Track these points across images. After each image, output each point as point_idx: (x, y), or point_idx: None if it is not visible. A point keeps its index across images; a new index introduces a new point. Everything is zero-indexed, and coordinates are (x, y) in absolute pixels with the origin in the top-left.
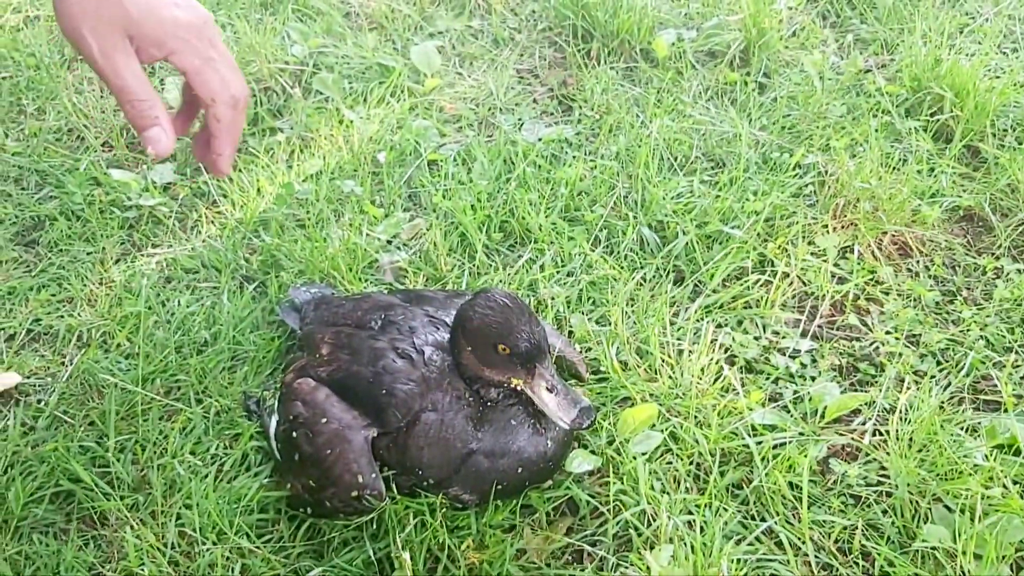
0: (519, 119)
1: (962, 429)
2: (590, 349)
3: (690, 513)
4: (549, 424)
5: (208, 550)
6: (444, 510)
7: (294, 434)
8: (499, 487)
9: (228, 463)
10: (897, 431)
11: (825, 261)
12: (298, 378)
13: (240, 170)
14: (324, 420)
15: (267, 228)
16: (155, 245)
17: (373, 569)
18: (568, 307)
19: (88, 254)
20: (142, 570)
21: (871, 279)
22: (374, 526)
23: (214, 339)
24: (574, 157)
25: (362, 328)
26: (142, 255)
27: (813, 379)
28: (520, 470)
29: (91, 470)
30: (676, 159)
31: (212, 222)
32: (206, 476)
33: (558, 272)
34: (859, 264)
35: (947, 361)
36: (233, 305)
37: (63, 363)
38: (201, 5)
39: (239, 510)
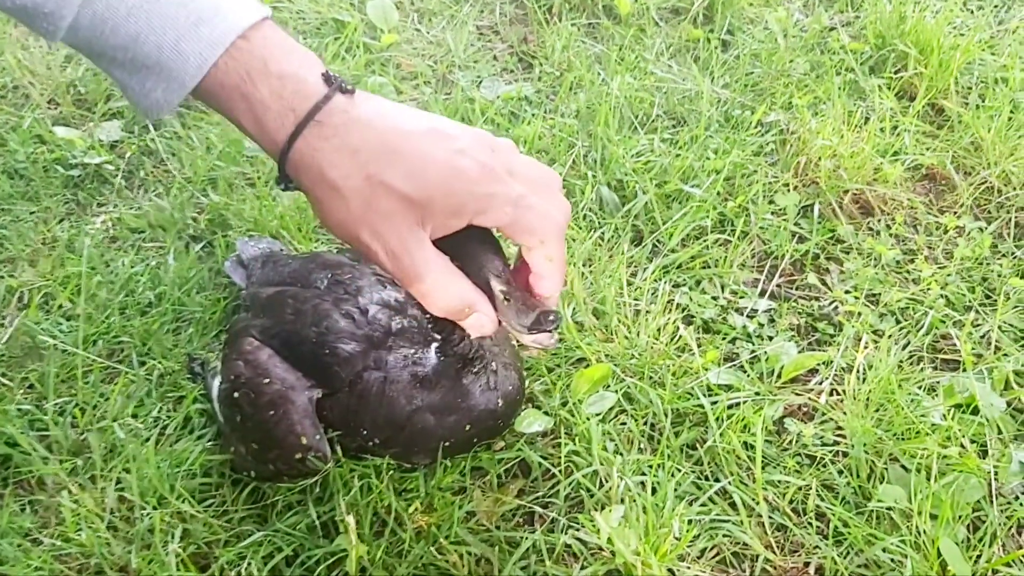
0: (478, 76)
1: (920, 388)
2: None
3: (643, 474)
4: (500, 382)
5: (148, 515)
6: (391, 473)
7: (236, 395)
8: (447, 444)
9: (171, 426)
10: (854, 391)
11: (785, 220)
12: (240, 338)
13: (189, 127)
14: (267, 381)
15: (215, 186)
16: (100, 204)
17: (317, 533)
18: None
19: (31, 213)
20: (79, 535)
21: (831, 238)
22: (318, 489)
23: (159, 300)
24: (533, 115)
25: (308, 288)
26: (87, 215)
27: (771, 339)
28: (468, 427)
29: (28, 433)
30: (637, 117)
31: (159, 181)
32: (147, 440)
33: None
34: (819, 223)
35: (906, 320)
36: (179, 265)
37: (2, 324)
38: (478, 128)
39: (181, 474)
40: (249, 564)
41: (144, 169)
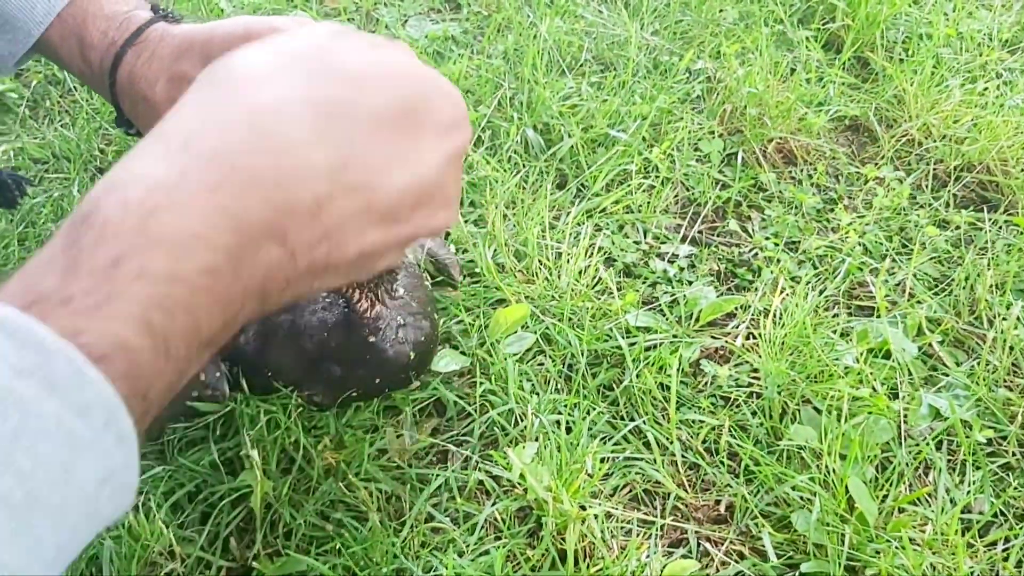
0: (404, 14)
1: (834, 333)
2: (466, 251)
3: (558, 413)
4: (409, 334)
5: None
6: (300, 410)
7: None
8: (355, 394)
9: None
10: (770, 334)
11: (709, 167)
12: None
13: None
14: None
15: None
16: (2, 134)
17: (221, 469)
18: None
19: None
20: None
21: (754, 185)
22: (223, 426)
23: None
24: (459, 55)
25: None
26: None
27: (690, 283)
28: (378, 380)
29: None
30: (565, 60)
31: (66, 111)
32: None
33: None
34: (743, 171)
35: (824, 267)
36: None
37: None
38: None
39: None
40: (148, 499)
41: (50, 99)
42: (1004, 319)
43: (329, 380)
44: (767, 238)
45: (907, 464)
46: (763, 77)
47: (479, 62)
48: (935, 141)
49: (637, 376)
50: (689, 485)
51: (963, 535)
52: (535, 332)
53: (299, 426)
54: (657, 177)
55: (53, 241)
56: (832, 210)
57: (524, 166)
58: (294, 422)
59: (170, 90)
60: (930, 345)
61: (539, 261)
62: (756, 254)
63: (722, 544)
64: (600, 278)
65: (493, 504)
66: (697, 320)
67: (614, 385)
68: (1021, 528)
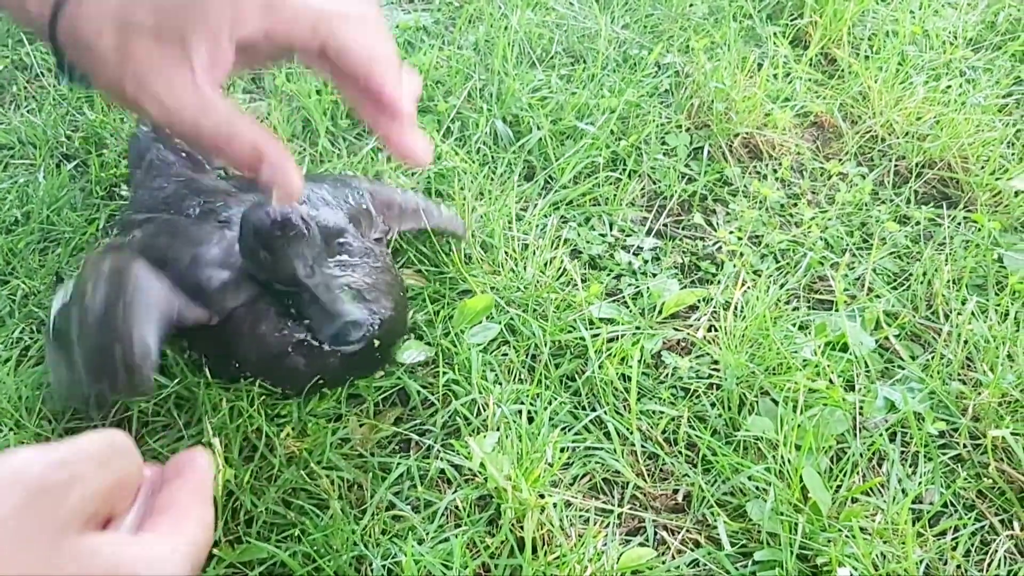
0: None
1: (794, 326)
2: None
3: (520, 403)
4: (374, 315)
5: (5, 436)
6: (263, 398)
7: (89, 287)
8: (320, 381)
9: (33, 348)
10: (731, 327)
11: (676, 160)
12: (108, 253)
13: None
14: (136, 276)
15: (92, 104)
16: None
17: None
18: None
19: None
20: None
21: (719, 180)
22: (187, 413)
23: (25, 218)
24: (430, 46)
25: (180, 215)
26: None
27: (654, 275)
28: (341, 367)
29: None
30: (535, 52)
31: (33, 96)
32: (7, 361)
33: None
34: (708, 165)
35: (785, 261)
36: (49, 183)
37: None
38: None
39: (42, 396)
40: None
41: (17, 84)
42: (959, 314)
43: (292, 372)
44: (731, 232)
45: (861, 455)
46: (731, 72)
47: (450, 53)
48: (898, 138)
49: (599, 367)
50: (648, 475)
51: (913, 525)
52: (499, 323)
53: (262, 414)
54: (624, 170)
55: None
56: (795, 205)
57: (492, 158)
58: (257, 410)
59: (119, 40)
60: (887, 339)
61: (505, 252)
62: (720, 247)
63: (678, 532)
64: (565, 270)
65: (454, 492)
66: (660, 312)
67: (576, 376)
68: (969, 518)
